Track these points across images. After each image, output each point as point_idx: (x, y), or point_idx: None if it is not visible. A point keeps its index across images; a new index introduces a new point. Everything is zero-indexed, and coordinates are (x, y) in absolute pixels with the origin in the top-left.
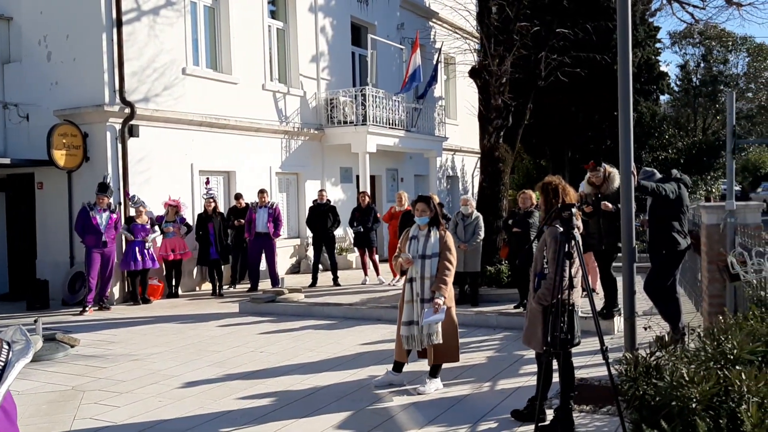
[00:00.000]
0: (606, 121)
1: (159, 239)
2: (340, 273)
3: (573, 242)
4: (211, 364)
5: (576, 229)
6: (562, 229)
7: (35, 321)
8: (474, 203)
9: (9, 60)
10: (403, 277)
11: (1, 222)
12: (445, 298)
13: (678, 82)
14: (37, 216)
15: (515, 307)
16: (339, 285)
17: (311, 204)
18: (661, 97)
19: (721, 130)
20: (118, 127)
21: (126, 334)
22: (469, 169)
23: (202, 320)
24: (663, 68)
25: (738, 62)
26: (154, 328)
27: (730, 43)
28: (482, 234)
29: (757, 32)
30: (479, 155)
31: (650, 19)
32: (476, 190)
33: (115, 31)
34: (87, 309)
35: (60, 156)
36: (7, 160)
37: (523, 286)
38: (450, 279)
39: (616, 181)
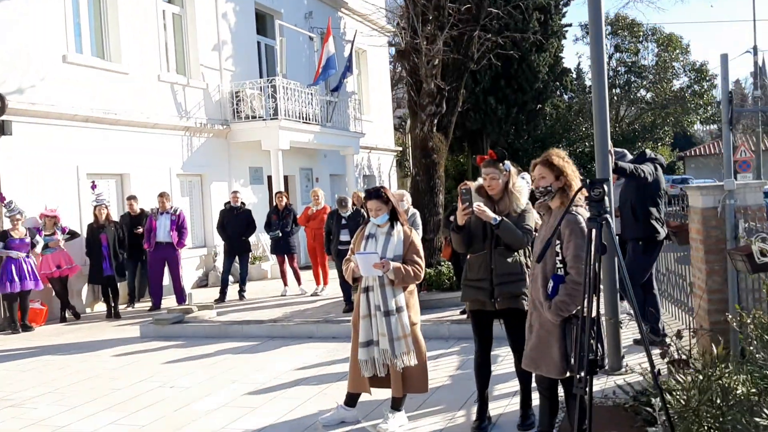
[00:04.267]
0: (523, 115)
1: (38, 252)
2: (255, 284)
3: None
4: (107, 408)
5: (608, 215)
6: (588, 214)
7: None
8: (410, 199)
9: None
10: (356, 285)
11: None
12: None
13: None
14: None
15: (461, 313)
16: (244, 298)
17: (223, 207)
18: (565, 96)
19: (636, 120)
20: None
21: None
22: (386, 169)
23: (95, 349)
24: (575, 62)
25: (648, 54)
26: (36, 362)
27: (641, 34)
28: (420, 233)
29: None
30: (395, 153)
31: (564, 9)
32: (394, 189)
33: None
34: None
35: None
36: None
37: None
38: (412, 285)
39: (524, 196)
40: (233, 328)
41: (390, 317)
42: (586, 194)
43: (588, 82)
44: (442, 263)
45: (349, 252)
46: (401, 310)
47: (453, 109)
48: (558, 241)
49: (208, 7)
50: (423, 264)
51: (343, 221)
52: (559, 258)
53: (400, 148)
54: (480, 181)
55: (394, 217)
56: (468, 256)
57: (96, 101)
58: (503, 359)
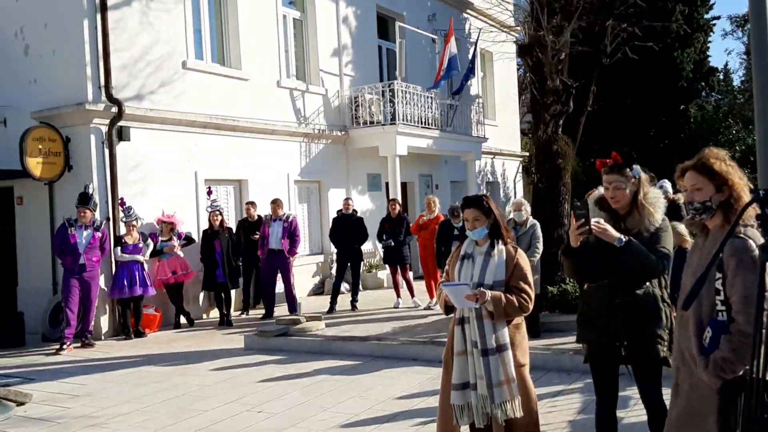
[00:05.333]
0: (663, 116)
1: (146, 258)
2: (369, 293)
3: None
4: None
5: None
6: (761, 239)
7: None
8: (529, 208)
9: None
10: (451, 314)
11: None
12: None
13: (744, 72)
14: (18, 236)
15: (581, 356)
16: (356, 309)
17: (335, 215)
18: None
19: None
20: (104, 129)
21: (97, 383)
22: (511, 175)
23: (197, 360)
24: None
25: None
26: (135, 374)
27: None
28: (541, 246)
29: None
30: (521, 159)
31: (711, 1)
32: (517, 197)
33: (99, 16)
34: (65, 347)
35: (35, 165)
36: None
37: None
38: (519, 317)
39: (659, 209)
40: (336, 345)
41: (489, 357)
42: (757, 212)
43: (737, 82)
44: (567, 281)
45: (445, 274)
46: (504, 348)
47: (582, 108)
48: (719, 275)
49: (329, 11)
50: (532, 293)
51: (456, 232)
52: (720, 298)
53: (527, 153)
54: (600, 190)
55: (496, 234)
56: (584, 286)
57: (215, 107)
58: (637, 403)
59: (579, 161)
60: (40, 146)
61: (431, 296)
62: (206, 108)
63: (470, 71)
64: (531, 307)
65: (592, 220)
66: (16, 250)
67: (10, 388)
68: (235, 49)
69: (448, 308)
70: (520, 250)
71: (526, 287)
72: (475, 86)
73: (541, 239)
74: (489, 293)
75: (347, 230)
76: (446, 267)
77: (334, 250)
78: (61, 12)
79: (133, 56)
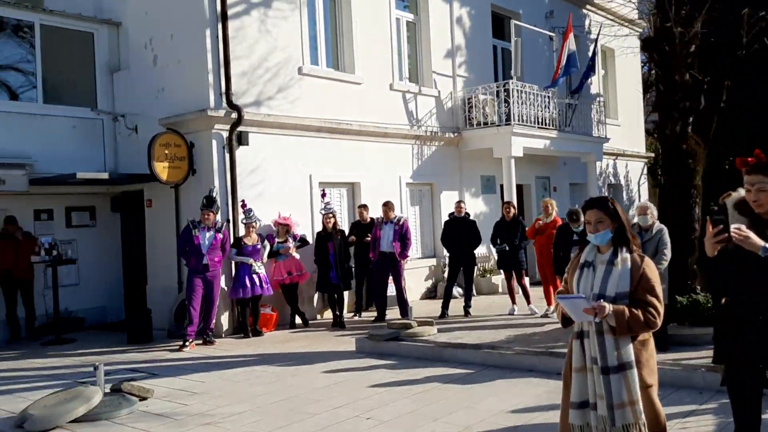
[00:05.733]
0: None
1: (262, 260)
2: (483, 299)
3: None
4: None
5: None
6: None
7: (95, 368)
8: (655, 212)
9: (119, 68)
10: (569, 327)
11: (117, 245)
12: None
13: None
14: (147, 237)
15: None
16: (469, 315)
17: (447, 218)
18: None
19: None
20: (224, 134)
21: (215, 380)
22: (635, 177)
23: (310, 361)
24: None
25: None
26: (251, 373)
27: None
28: (669, 253)
29: None
30: (646, 160)
31: None
32: (642, 200)
33: (220, 26)
34: (188, 344)
35: (162, 169)
36: (105, 175)
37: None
38: (646, 334)
39: None
40: (447, 351)
41: (610, 375)
42: None
43: None
44: (698, 291)
45: (563, 283)
46: (627, 367)
47: (714, 104)
48: None
49: (442, 13)
50: (660, 307)
51: (575, 237)
52: None
53: (652, 154)
54: (741, 193)
55: (621, 240)
56: (723, 300)
57: (329, 111)
58: None
59: (708, 161)
60: (167, 151)
61: (549, 303)
62: (320, 112)
63: (590, 69)
64: (659, 323)
65: (732, 227)
66: (146, 249)
67: (134, 383)
68: (349, 53)
69: (566, 320)
70: (647, 259)
71: (654, 301)
72: (595, 84)
73: (668, 245)
74: (609, 307)
75: (459, 234)
76: (565, 275)
77: (446, 253)
78: (185, 23)
79: (252, 63)
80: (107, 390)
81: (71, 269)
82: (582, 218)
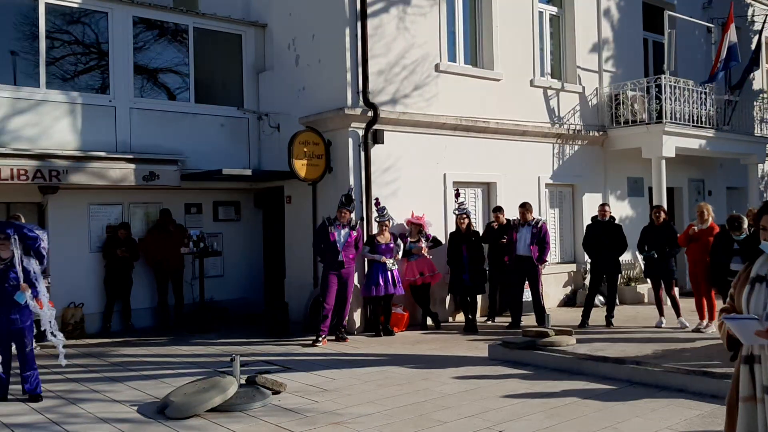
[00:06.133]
0: None
1: (396, 258)
2: (627, 309)
3: None
4: None
5: None
6: None
7: (231, 359)
8: None
9: (264, 68)
10: (735, 350)
11: (259, 239)
12: None
13: None
14: (286, 233)
15: None
16: (612, 325)
17: (589, 222)
18: None
19: None
20: (360, 132)
21: (345, 378)
22: None
23: (440, 365)
24: None
25: None
26: (381, 374)
27: None
28: None
29: None
30: None
31: None
32: None
33: (359, 25)
34: (321, 339)
35: (300, 166)
36: (248, 172)
37: None
38: None
39: None
40: (587, 364)
41: None
42: None
43: None
44: None
45: (729, 299)
46: None
47: None
48: None
49: (589, 5)
50: None
51: (735, 246)
52: None
53: None
54: None
55: None
56: None
57: (465, 109)
58: None
59: None
60: (305, 149)
61: (701, 317)
62: (457, 110)
63: (753, 63)
64: None
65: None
66: (285, 245)
67: (268, 376)
68: (488, 49)
69: (732, 342)
70: None
71: None
72: (758, 79)
73: None
74: None
75: (603, 239)
76: (731, 290)
77: (587, 259)
78: (326, 23)
79: (389, 61)
80: (242, 381)
81: (217, 261)
82: (745, 226)
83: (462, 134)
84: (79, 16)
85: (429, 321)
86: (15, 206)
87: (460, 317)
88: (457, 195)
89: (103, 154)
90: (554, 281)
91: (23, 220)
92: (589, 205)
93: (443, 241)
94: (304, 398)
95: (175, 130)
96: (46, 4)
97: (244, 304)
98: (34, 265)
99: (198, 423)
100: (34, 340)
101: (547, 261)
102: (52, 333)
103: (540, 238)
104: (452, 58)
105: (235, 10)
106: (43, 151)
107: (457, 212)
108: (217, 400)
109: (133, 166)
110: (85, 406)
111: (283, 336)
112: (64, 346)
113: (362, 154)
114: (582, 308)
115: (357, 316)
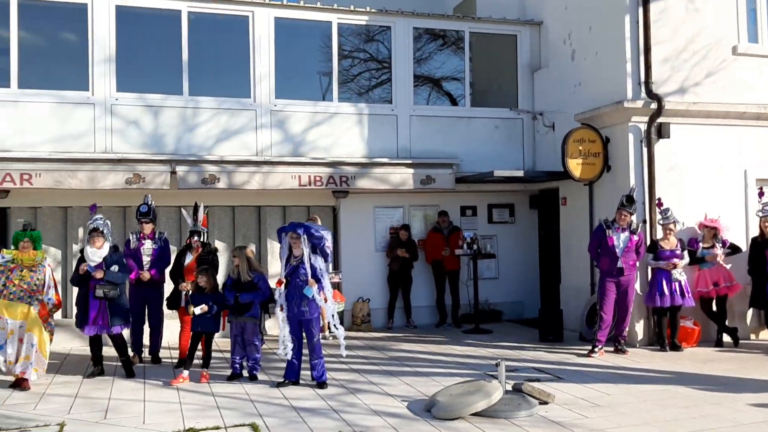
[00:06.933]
0: None
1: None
2: None
3: None
4: None
5: None
6: None
7: (497, 364)
8: None
9: (539, 67)
10: None
11: (534, 242)
12: None
13: None
14: (561, 235)
15: None
16: None
17: None
18: None
19: None
20: (642, 127)
21: (621, 394)
22: None
23: (736, 389)
24: None
25: None
26: (662, 393)
27: None
28: None
29: None
30: None
31: None
32: None
33: (640, 10)
34: (597, 350)
35: (575, 166)
36: (520, 173)
37: None
38: None
39: None
40: None
41: None
42: None
43: None
44: None
45: None
46: None
47: None
48: None
49: None
50: None
51: None
52: None
53: None
54: None
55: None
56: None
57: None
58: None
59: None
60: (580, 147)
61: None
62: (759, 97)
63: None
64: None
65: None
66: (560, 248)
67: (535, 384)
68: None
69: None
70: None
71: None
72: None
73: None
74: None
75: None
76: None
77: None
78: (604, 12)
79: (676, 47)
80: (509, 387)
81: (491, 263)
82: None
83: (766, 124)
84: (366, 33)
85: (726, 338)
86: (313, 209)
87: (765, 335)
88: (761, 194)
89: (385, 160)
90: None
91: (320, 222)
92: None
93: (743, 248)
94: (573, 412)
95: (451, 134)
96: (339, 24)
97: (521, 307)
98: (320, 263)
99: (462, 426)
100: (319, 332)
101: None
102: (334, 326)
103: None
104: (753, 38)
105: (510, 11)
106: (335, 159)
107: (761, 214)
108: (481, 405)
109: (411, 170)
110: (362, 396)
111: (557, 343)
112: (349, 338)
113: (644, 150)
114: None
115: (639, 327)
